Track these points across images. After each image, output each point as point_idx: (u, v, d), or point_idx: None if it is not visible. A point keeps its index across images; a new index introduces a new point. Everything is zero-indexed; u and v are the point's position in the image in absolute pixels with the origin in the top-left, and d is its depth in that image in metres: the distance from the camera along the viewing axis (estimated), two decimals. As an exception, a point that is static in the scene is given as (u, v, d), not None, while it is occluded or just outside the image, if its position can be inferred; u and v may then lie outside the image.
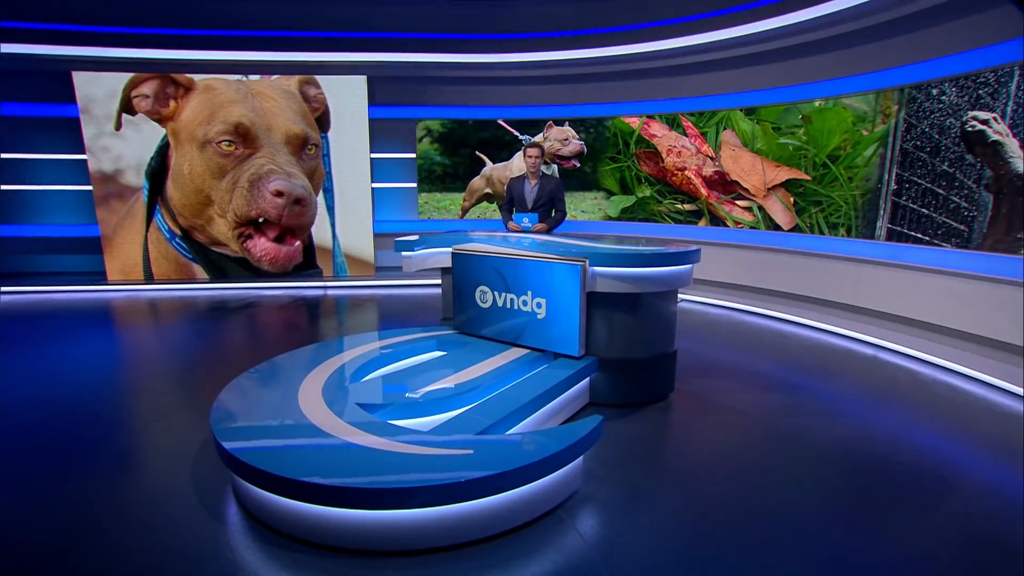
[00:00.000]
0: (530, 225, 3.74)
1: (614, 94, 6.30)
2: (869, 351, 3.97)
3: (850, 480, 2.21)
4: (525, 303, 2.93)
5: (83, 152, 5.89)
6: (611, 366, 2.86)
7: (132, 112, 5.76)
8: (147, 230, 6.00)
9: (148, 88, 5.69)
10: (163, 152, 5.85)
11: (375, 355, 2.84)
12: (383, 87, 6.35)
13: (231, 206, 5.73)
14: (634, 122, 6.29)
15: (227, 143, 5.65)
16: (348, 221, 6.33)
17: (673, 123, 6.02)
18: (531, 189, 3.83)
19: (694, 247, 2.91)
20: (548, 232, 3.81)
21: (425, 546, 1.70)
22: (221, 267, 6.09)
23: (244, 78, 5.87)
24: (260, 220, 5.79)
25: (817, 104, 4.79)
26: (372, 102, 6.18)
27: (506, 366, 2.71)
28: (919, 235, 4.10)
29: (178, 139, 5.75)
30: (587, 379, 2.85)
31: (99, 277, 6.12)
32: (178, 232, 5.97)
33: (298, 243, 6.04)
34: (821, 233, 4.94)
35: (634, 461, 2.35)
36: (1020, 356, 3.33)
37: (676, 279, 2.83)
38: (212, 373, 3.43)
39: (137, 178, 5.94)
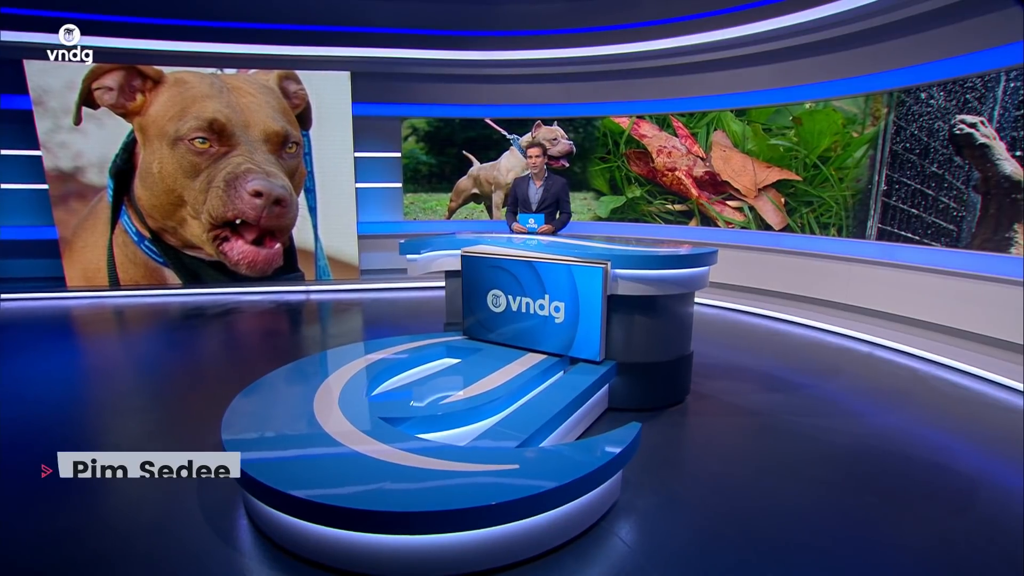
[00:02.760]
0: (536, 227, 3.69)
1: (604, 94, 6.33)
2: (864, 348, 4.10)
3: (874, 479, 2.25)
4: (542, 307, 2.88)
5: (37, 148, 5.48)
6: (630, 370, 2.84)
7: (94, 106, 5.40)
8: (112, 232, 5.64)
9: (111, 80, 5.35)
10: (129, 149, 5.51)
11: (386, 364, 2.72)
12: (367, 83, 6.18)
13: (206, 207, 5.45)
14: (624, 122, 6.33)
15: (201, 140, 5.38)
16: (331, 222, 6.13)
17: (663, 123, 6.09)
18: (536, 190, 3.77)
19: (711, 248, 2.93)
20: (554, 233, 3.76)
21: (477, 568, 1.61)
22: (195, 272, 5.79)
23: (219, 72, 5.60)
24: (237, 222, 5.53)
25: (807, 106, 4.92)
26: (356, 99, 6.02)
27: (526, 373, 2.65)
28: (909, 235, 4.27)
29: (146, 135, 5.43)
30: (607, 384, 2.82)
31: (57, 283, 5.72)
32: (147, 235, 5.64)
33: (278, 246, 5.80)
34: (812, 233, 5.09)
35: (665, 466, 2.34)
36: (1012, 351, 3.50)
37: (695, 281, 2.83)
38: (199, 387, 3.23)
39: (100, 176, 5.57)
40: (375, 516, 1.47)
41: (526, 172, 4.17)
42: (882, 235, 4.48)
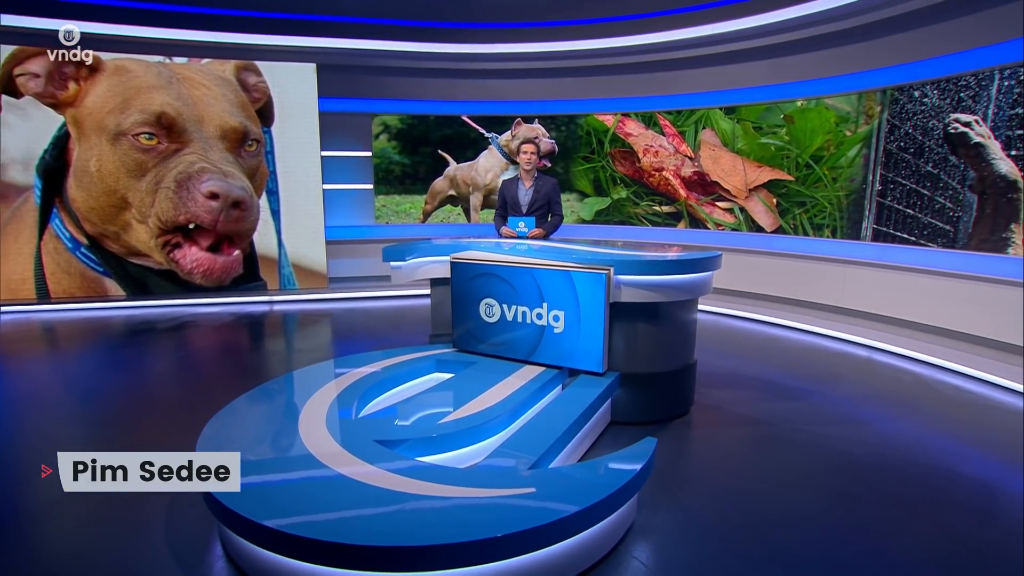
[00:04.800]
0: (527, 230, 3.69)
1: (587, 90, 6.40)
2: (862, 353, 4.24)
3: (894, 490, 2.30)
4: (540, 316, 2.85)
5: (-55, 141, 5.16)
6: (633, 381, 2.84)
7: (16, 94, 5.13)
8: (40, 238, 5.34)
9: (37, 65, 5.09)
10: (61, 144, 5.25)
11: (372, 382, 2.64)
12: (335, 76, 6.09)
13: (154, 210, 5.23)
14: (608, 120, 6.41)
15: (147, 136, 5.17)
16: (296, 227, 5.99)
17: (650, 121, 6.20)
18: (526, 191, 3.77)
19: (715, 252, 2.98)
20: (545, 237, 3.77)
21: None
22: (141, 282, 5.54)
23: (167, 60, 5.40)
24: (191, 226, 5.32)
25: (799, 104, 5.10)
26: (322, 93, 5.92)
27: (526, 387, 2.61)
28: (905, 235, 4.46)
29: (82, 129, 5.18)
30: (611, 397, 2.81)
31: (-26, 297, 5.36)
32: (84, 241, 5.36)
33: (237, 252, 5.62)
34: (805, 234, 5.25)
35: (678, 483, 2.34)
36: (1013, 353, 3.67)
37: (700, 286, 2.87)
38: (152, 414, 3.04)
39: (25, 175, 5.28)
40: (387, 552, 1.41)
41: (506, 172, 4.17)
42: (877, 236, 4.67)
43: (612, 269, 2.69)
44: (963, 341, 4.01)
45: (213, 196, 5.25)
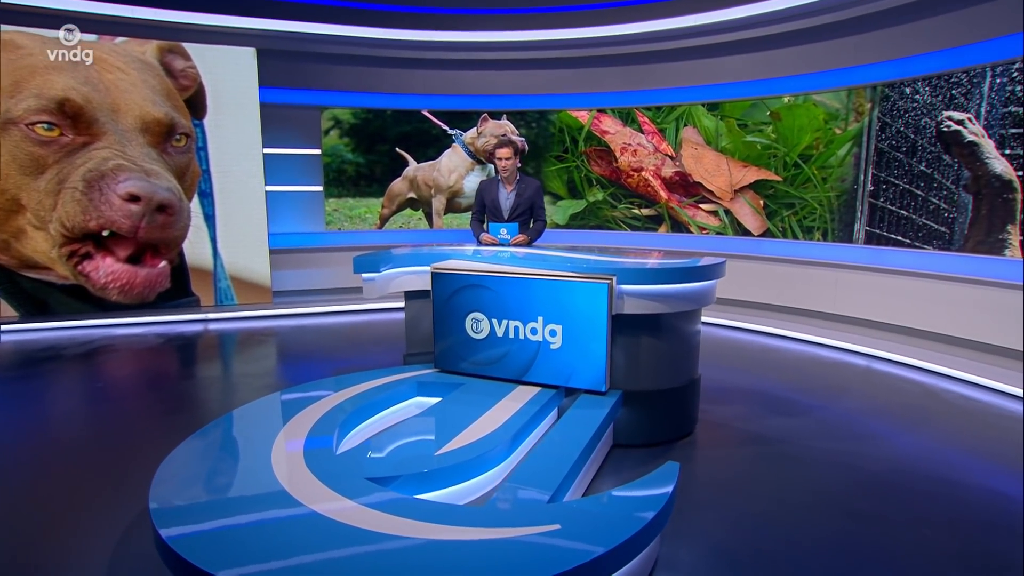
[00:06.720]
0: (508, 237, 3.69)
1: (560, 84, 6.48)
2: (861, 362, 4.44)
3: (926, 510, 2.38)
4: (534, 331, 2.84)
5: None
6: (636, 400, 2.86)
7: None
8: (-95, 249, 4.91)
9: None
10: (-66, 135, 4.84)
11: (348, 410, 2.53)
12: (278, 63, 5.95)
13: (56, 214, 4.90)
14: (583, 116, 6.51)
15: (46, 126, 4.85)
16: (234, 234, 5.77)
17: (627, 118, 6.34)
18: (507, 195, 3.77)
19: (719, 259, 3.06)
20: (529, 244, 3.77)
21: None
22: (40, 299, 5.17)
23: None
24: (104, 234, 5.00)
25: (786, 100, 5.34)
26: (264, 82, 5.75)
27: (524, 410, 2.58)
28: (899, 237, 4.72)
29: (-41, 116, 4.80)
30: (615, 418, 2.82)
31: None
32: (-39, 252, 4.97)
33: (163, 264, 5.33)
34: (795, 237, 5.48)
35: (696, 509, 2.35)
36: (1014, 358, 3.93)
37: (706, 295, 2.94)
38: (58, 466, 2.74)
39: None
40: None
41: (472, 173, 4.16)
42: (870, 239, 4.93)
43: (615, 278, 2.70)
44: (963, 347, 4.26)
45: (133, 199, 4.96)
